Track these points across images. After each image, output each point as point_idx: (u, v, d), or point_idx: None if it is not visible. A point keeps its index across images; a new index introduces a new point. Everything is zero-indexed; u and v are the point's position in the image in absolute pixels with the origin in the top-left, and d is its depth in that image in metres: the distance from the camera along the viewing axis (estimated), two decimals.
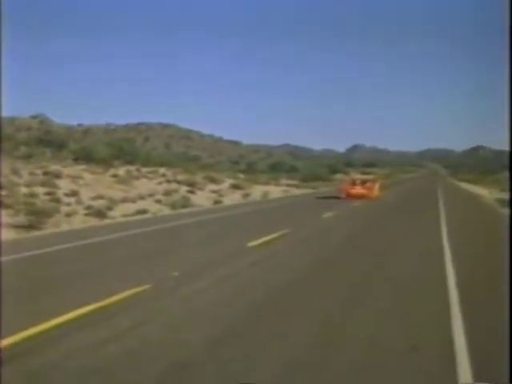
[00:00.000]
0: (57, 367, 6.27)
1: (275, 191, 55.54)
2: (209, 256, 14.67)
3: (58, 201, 30.31)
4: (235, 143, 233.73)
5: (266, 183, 65.11)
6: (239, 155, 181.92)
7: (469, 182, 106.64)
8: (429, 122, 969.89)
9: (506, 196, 47.33)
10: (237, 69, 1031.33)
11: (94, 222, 25.54)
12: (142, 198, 37.17)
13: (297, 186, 67.50)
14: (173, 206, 34.18)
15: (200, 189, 47.83)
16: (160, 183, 47.39)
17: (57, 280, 11.48)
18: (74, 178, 40.09)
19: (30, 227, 21.70)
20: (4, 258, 13.91)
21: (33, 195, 30.41)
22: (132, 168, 52.51)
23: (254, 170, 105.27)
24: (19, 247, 16.39)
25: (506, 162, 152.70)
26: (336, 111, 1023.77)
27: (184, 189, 45.62)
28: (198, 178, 53.84)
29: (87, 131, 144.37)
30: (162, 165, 60.88)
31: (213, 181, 54.26)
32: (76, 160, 54.76)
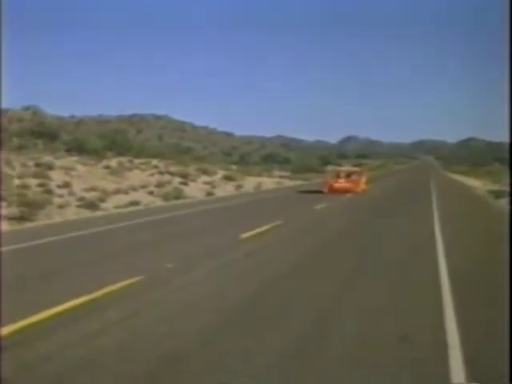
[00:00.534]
0: (48, 359, 6.23)
1: (268, 183, 55.56)
2: (202, 247, 14.66)
3: (50, 192, 30.23)
4: (228, 135, 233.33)
5: (259, 175, 65.04)
6: (232, 147, 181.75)
7: (461, 173, 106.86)
8: (422, 113, 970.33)
9: (497, 187, 47.57)
10: (230, 61, 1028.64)
11: (86, 213, 25.51)
12: (134, 189, 37.09)
13: (289, 178, 67.50)
14: (165, 197, 34.14)
15: (193, 180, 47.74)
16: (153, 175, 47.26)
17: (49, 272, 11.44)
18: (67, 170, 39.92)
19: (22, 219, 21.64)
20: None
21: (25, 187, 30.29)
22: (124, 159, 52.32)
23: (246, 162, 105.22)
24: (11, 239, 16.34)
25: (498, 153, 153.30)
26: (329, 102, 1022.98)
27: (177, 180, 45.55)
28: (191, 169, 53.72)
29: (80, 122, 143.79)
30: (154, 156, 60.64)
31: (205, 172, 54.16)
32: (68, 151, 54.54)
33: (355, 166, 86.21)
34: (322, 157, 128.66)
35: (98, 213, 25.84)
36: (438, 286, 10.20)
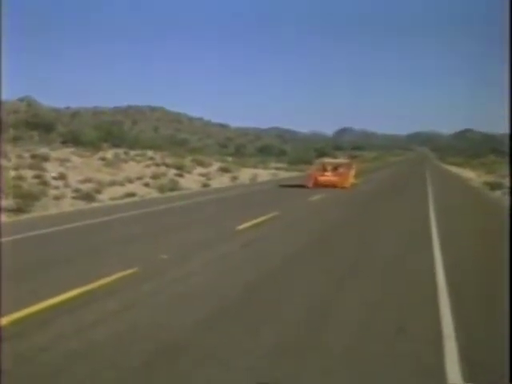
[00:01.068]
0: (45, 350, 6.27)
1: (263, 174, 55.53)
2: (197, 239, 14.69)
3: (45, 184, 30.21)
4: (223, 126, 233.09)
5: (255, 166, 65.05)
6: (227, 138, 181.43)
7: (457, 165, 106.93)
8: (417, 105, 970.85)
9: (492, 179, 47.67)
10: (225, 52, 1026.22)
11: (82, 205, 25.50)
12: (130, 181, 37.07)
13: (285, 169, 67.49)
14: (161, 189, 34.14)
15: (188, 172, 47.72)
16: (148, 166, 47.22)
17: (44, 263, 11.45)
18: (62, 161, 39.89)
19: (18, 210, 21.64)
20: None
21: (21, 178, 30.28)
22: (120, 151, 52.26)
23: (242, 153, 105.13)
24: (6, 230, 16.34)
25: (494, 145, 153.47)
26: (324, 94, 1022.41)
27: (172, 172, 45.52)
28: (187, 161, 53.69)
29: (75, 114, 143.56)
30: (150, 148, 60.61)
31: (201, 164, 54.14)
32: (64, 143, 54.48)
33: (351, 157, 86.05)
34: (317, 149, 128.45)
35: (94, 204, 25.83)
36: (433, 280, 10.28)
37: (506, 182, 38.36)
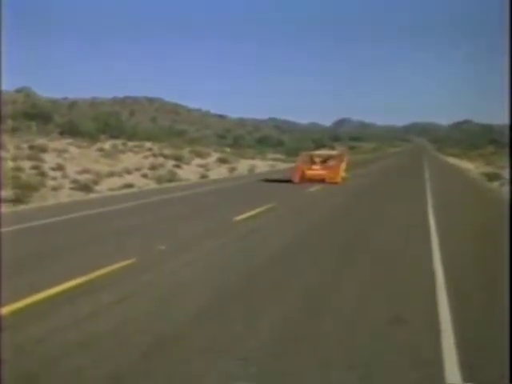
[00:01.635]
0: (42, 341, 6.29)
1: (261, 165, 55.55)
2: (195, 230, 14.72)
3: (43, 175, 30.21)
4: (222, 117, 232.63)
5: (253, 157, 65.02)
6: (225, 129, 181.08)
7: (455, 156, 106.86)
8: (415, 96, 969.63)
9: (491, 169, 47.69)
10: (223, 43, 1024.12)
11: (80, 196, 25.50)
12: (128, 172, 37.06)
13: (283, 161, 67.45)
14: (159, 180, 34.15)
15: (186, 163, 47.71)
16: (146, 157, 47.21)
17: (43, 254, 11.47)
18: (60, 152, 39.89)
19: (16, 201, 21.64)
20: None
21: (19, 169, 30.28)
22: (118, 142, 52.24)
23: (240, 144, 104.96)
24: (5, 221, 16.34)
25: (492, 136, 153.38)
26: (322, 85, 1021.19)
27: (170, 163, 45.51)
28: (185, 152, 53.68)
29: (73, 105, 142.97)
30: (148, 139, 60.57)
31: (199, 155, 54.12)
32: (62, 134, 54.45)
33: (349, 148, 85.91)
34: (315, 139, 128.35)
35: (92, 195, 25.84)
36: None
37: (504, 172, 38.38)
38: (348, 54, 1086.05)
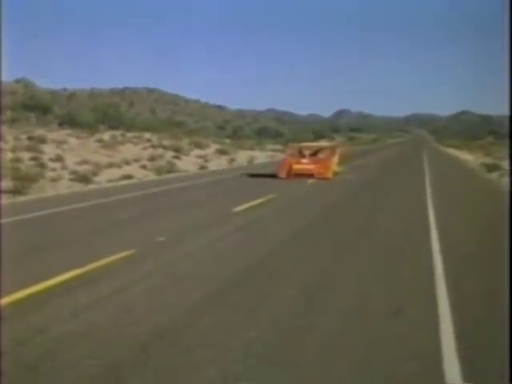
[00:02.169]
0: (41, 332, 6.30)
1: (261, 156, 55.55)
2: (194, 221, 14.72)
3: (42, 166, 30.18)
4: (221, 108, 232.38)
5: (252, 148, 64.94)
6: (224, 120, 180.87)
7: (454, 147, 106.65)
8: (415, 87, 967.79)
9: (490, 160, 47.69)
10: (222, 34, 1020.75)
11: (79, 187, 25.51)
12: (127, 163, 37.01)
13: (282, 152, 67.38)
14: (158, 171, 34.13)
15: (185, 154, 47.66)
16: (145, 148, 47.12)
17: (42, 245, 11.49)
18: (59, 143, 39.81)
19: (15, 192, 21.63)
20: None
21: (18, 160, 30.24)
22: (117, 133, 52.14)
23: (239, 136, 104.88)
24: (4, 212, 16.33)
25: (492, 126, 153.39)
26: (321, 76, 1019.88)
27: (169, 154, 45.46)
28: (184, 143, 53.62)
29: (72, 96, 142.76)
30: (147, 130, 60.42)
31: (198, 146, 54.04)
32: (61, 125, 54.32)
33: (349, 139, 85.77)
34: (315, 131, 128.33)
35: (91, 186, 25.84)
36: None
37: (503, 163, 38.41)
38: (348, 45, 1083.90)
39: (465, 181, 32.80)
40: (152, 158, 40.74)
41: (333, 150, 33.90)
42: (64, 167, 31.34)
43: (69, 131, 48.03)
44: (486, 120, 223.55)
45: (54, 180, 26.35)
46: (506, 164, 36.44)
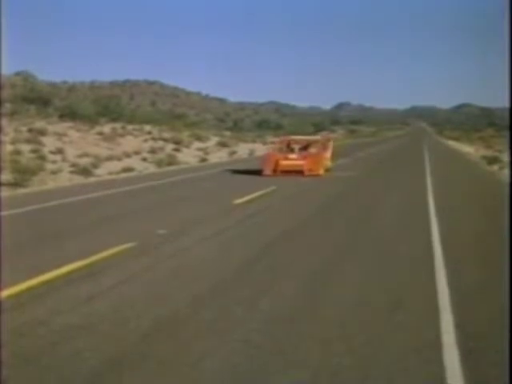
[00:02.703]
0: (42, 324, 6.29)
1: (261, 149, 55.52)
2: (195, 213, 14.71)
3: (43, 158, 30.20)
4: (221, 101, 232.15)
5: (252, 141, 64.96)
6: (225, 113, 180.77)
7: (455, 139, 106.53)
8: (415, 79, 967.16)
9: (490, 153, 47.67)
10: (223, 27, 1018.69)
11: (79, 179, 25.53)
12: (127, 155, 37.06)
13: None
14: (159, 163, 34.13)
15: (186, 146, 47.70)
16: (146, 141, 47.17)
17: (42, 237, 11.51)
18: (59, 136, 39.82)
19: (15, 185, 21.63)
20: None
21: (18, 152, 30.24)
22: (117, 125, 52.16)
23: (240, 128, 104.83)
24: (4, 204, 16.33)
25: (492, 118, 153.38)
26: (322, 68, 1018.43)
27: (170, 146, 45.53)
28: (184, 135, 53.64)
29: (72, 88, 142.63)
30: (147, 122, 60.44)
31: (199, 138, 54.10)
32: (61, 117, 54.30)
33: (350, 132, 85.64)
34: (315, 123, 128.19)
35: (91, 179, 25.85)
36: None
37: (504, 156, 38.39)
38: (348, 37, 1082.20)
39: (465, 173, 32.71)
40: (152, 151, 40.79)
41: (325, 144, 31.01)
42: (64, 160, 31.38)
43: (69, 124, 48.02)
44: (487, 112, 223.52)
45: (54, 172, 26.36)
46: (505, 156, 36.41)
